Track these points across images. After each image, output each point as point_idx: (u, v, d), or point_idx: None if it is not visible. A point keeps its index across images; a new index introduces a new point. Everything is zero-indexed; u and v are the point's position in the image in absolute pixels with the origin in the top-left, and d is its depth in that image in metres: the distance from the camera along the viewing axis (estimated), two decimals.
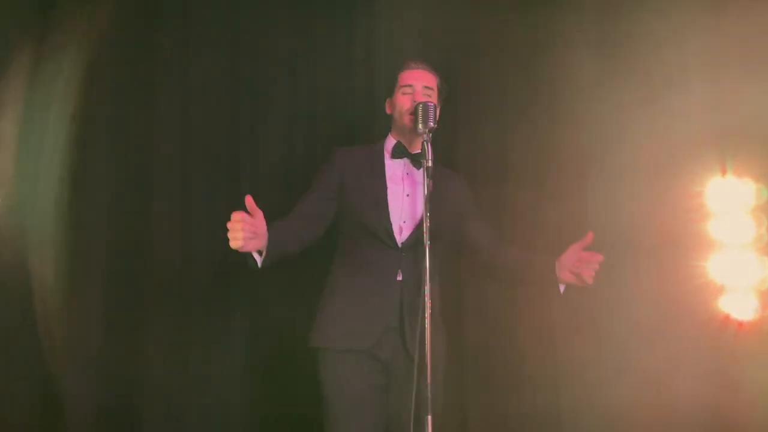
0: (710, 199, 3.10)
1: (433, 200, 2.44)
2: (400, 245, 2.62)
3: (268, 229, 2.36)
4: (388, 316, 2.57)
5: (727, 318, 3.04)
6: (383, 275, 2.60)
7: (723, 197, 3.08)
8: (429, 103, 2.51)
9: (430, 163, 2.42)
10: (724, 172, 3.08)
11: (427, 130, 2.48)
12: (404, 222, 2.64)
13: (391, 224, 2.62)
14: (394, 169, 2.71)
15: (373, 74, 3.45)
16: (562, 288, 2.61)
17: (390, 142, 2.75)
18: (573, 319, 3.15)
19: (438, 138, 2.60)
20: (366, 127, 3.38)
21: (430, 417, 2.34)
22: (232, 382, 3.34)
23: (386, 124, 2.82)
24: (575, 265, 2.52)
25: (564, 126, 3.27)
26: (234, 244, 2.25)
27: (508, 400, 3.17)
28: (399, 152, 2.70)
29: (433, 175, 2.44)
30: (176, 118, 3.46)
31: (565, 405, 3.15)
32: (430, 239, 2.43)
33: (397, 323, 2.58)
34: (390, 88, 2.76)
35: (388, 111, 2.78)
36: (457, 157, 3.38)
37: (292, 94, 3.52)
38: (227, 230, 2.26)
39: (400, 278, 2.59)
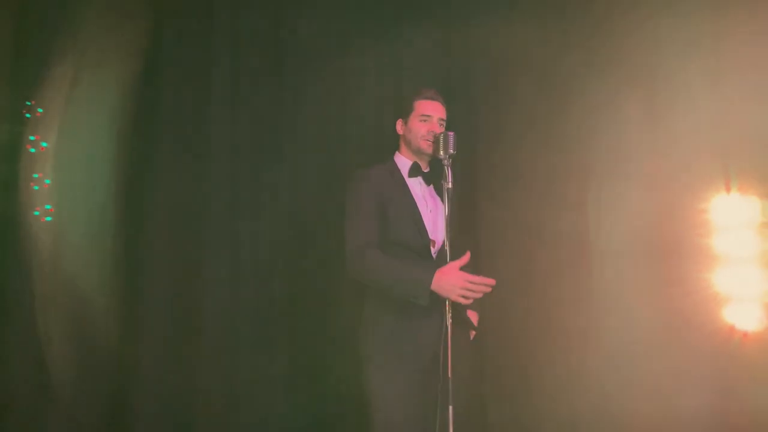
0: (715, 215, 3.22)
1: (454, 216, 2.75)
2: (434, 258, 2.84)
3: (407, 267, 2.73)
4: (436, 331, 2.72)
5: (732, 329, 3.14)
6: None
7: (728, 213, 3.19)
8: (450, 133, 2.79)
9: (450, 185, 2.72)
10: (728, 189, 3.20)
11: (447, 156, 2.76)
12: (434, 234, 2.89)
13: (429, 240, 2.86)
14: (413, 186, 2.97)
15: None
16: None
17: (403, 161, 3.01)
18: (579, 329, 3.27)
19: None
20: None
21: (451, 408, 2.50)
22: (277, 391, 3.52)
23: (394, 141, 3.05)
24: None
25: (570, 142, 3.41)
26: (466, 301, 2.63)
27: (515, 407, 3.29)
28: (415, 171, 2.97)
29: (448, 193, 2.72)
30: (227, 126, 3.66)
31: (569, 414, 3.24)
32: (455, 249, 2.73)
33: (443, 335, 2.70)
34: (404, 110, 3.00)
35: (399, 131, 3.03)
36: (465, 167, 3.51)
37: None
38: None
39: None
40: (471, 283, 2.62)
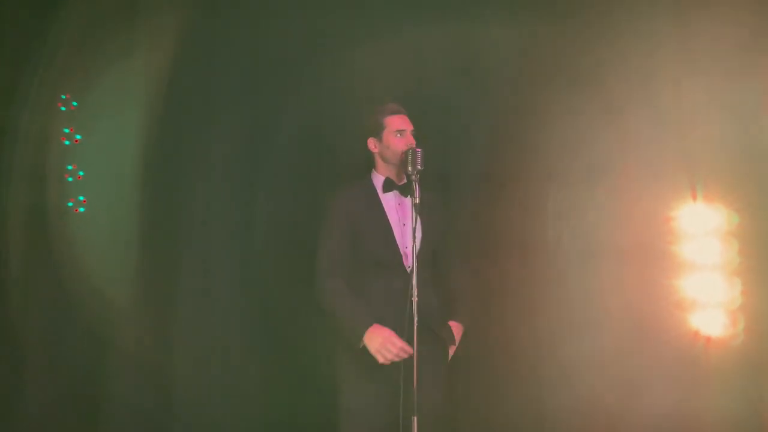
0: (682, 223, 3.31)
1: (427, 229, 2.90)
2: (408, 270, 2.95)
3: (353, 310, 2.88)
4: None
5: (696, 334, 3.25)
6: (401, 299, 2.85)
7: (694, 221, 3.28)
8: (417, 150, 2.91)
9: (417, 200, 2.85)
10: (695, 198, 3.29)
11: (415, 172, 2.88)
12: (407, 248, 3.02)
13: (401, 255, 2.99)
14: (388, 201, 3.09)
15: None
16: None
17: (378, 178, 3.12)
18: (546, 335, 3.38)
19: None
20: None
21: (415, 419, 2.66)
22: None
23: (368, 159, 3.14)
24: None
25: (536, 149, 3.49)
26: (384, 361, 2.78)
27: (491, 402, 3.42)
28: (389, 186, 3.08)
29: (421, 207, 2.85)
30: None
31: (536, 419, 3.36)
32: (426, 262, 2.95)
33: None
34: (375, 128, 3.09)
35: (373, 149, 3.12)
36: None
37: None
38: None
39: (416, 299, 2.86)
40: (391, 344, 2.76)
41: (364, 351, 2.82)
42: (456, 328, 3.08)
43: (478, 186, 3.60)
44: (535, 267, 3.40)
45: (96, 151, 3.70)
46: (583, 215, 3.41)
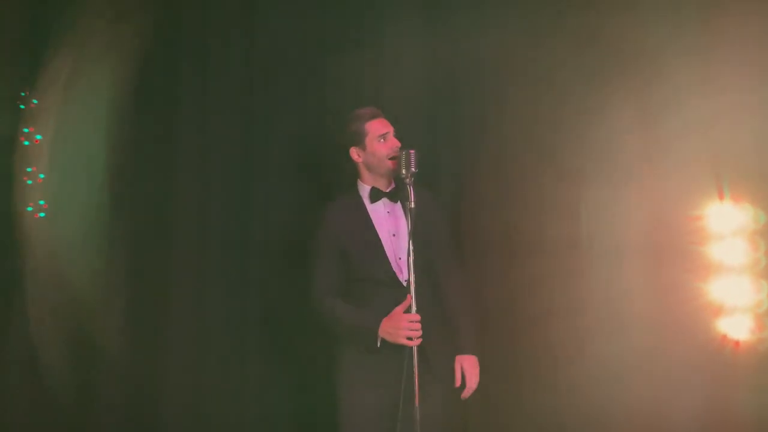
0: (709, 223, 3.19)
1: (419, 235, 2.75)
2: (404, 283, 2.83)
3: (358, 317, 2.79)
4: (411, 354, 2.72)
5: (724, 337, 3.13)
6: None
7: (722, 221, 3.17)
8: (411, 151, 2.78)
9: (413, 205, 2.72)
10: (722, 197, 3.18)
11: (410, 175, 2.75)
12: (400, 259, 2.88)
13: (393, 270, 2.86)
14: (377, 212, 2.95)
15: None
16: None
17: (364, 188, 2.98)
18: (569, 338, 3.26)
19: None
20: None
21: None
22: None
23: (352, 171, 3.02)
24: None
25: (562, 148, 3.36)
26: (416, 342, 2.67)
27: (505, 410, 3.30)
28: (376, 195, 2.95)
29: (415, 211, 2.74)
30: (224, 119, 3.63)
31: (561, 422, 3.24)
32: (424, 271, 2.80)
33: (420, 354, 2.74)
34: (356, 137, 2.95)
35: (357, 159, 2.98)
36: (450, 171, 3.51)
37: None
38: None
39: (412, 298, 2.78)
40: (411, 321, 2.67)
41: (381, 351, 2.72)
42: (469, 363, 2.92)
43: (494, 186, 3.47)
44: (560, 268, 3.27)
45: (58, 153, 3.46)
46: (606, 215, 3.29)
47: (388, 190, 2.99)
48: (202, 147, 3.65)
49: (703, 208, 3.20)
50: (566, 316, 3.28)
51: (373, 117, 2.97)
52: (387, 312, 2.76)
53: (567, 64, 3.37)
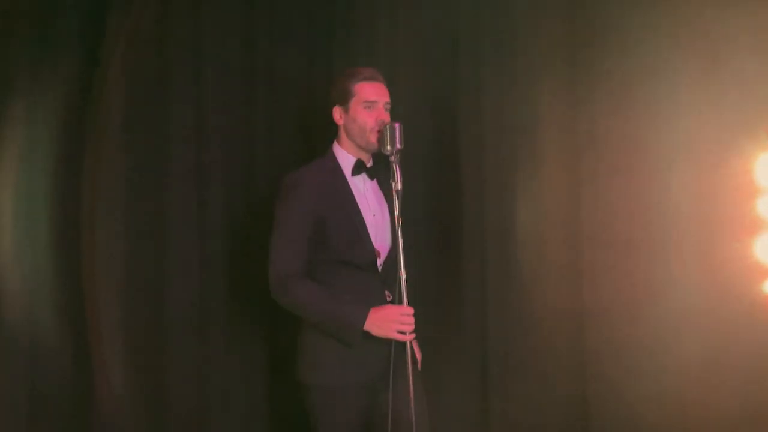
0: (759, 176, 2.91)
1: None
2: (380, 270, 2.63)
3: (336, 305, 2.52)
4: (387, 343, 2.54)
5: None
6: (374, 302, 2.56)
7: None
8: (396, 125, 2.50)
9: (400, 186, 2.48)
10: None
11: (395, 152, 2.49)
12: (379, 244, 2.64)
13: (375, 253, 2.62)
14: (355, 186, 2.68)
15: None
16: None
17: (345, 157, 2.69)
18: (609, 302, 3.07)
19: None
20: None
21: None
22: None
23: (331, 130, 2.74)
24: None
25: (608, 103, 3.10)
26: (410, 337, 2.49)
27: (536, 385, 3.15)
28: (359, 169, 2.68)
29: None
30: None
31: (596, 391, 3.10)
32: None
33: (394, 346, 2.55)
34: (341, 96, 2.67)
35: (338, 120, 2.69)
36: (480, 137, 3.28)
37: None
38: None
39: (389, 298, 2.60)
40: (403, 315, 2.47)
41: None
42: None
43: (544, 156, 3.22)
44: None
45: None
46: (651, 175, 3.04)
47: (369, 166, 2.71)
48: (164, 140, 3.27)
49: (754, 159, 2.90)
50: (603, 278, 3.10)
51: (368, 79, 2.64)
52: (361, 300, 2.55)
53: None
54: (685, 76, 2.96)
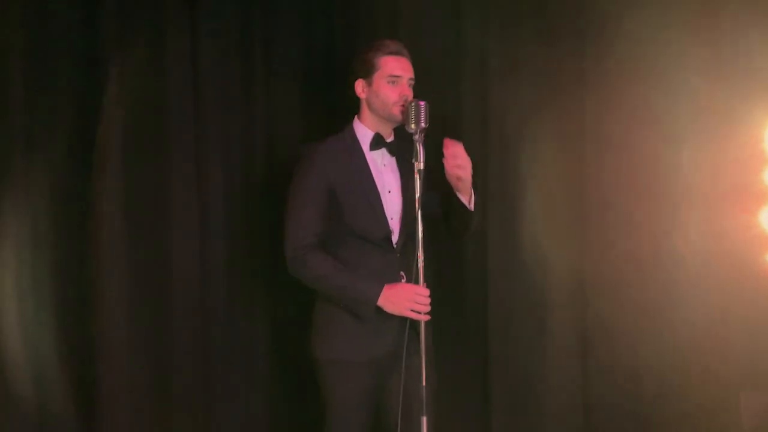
0: (767, 148, 2.92)
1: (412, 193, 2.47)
2: (395, 246, 2.59)
3: (352, 280, 2.51)
4: (400, 322, 2.52)
5: None
6: (388, 280, 2.53)
7: None
8: (421, 103, 2.43)
9: (422, 165, 2.42)
10: None
11: (419, 130, 2.43)
12: (392, 219, 2.60)
13: (390, 231, 2.58)
14: (374, 162, 2.62)
15: None
16: (465, 200, 2.56)
17: (364, 131, 2.63)
18: (614, 269, 3.09)
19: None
20: None
21: (425, 419, 2.40)
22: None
23: (353, 105, 2.66)
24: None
25: (617, 74, 3.10)
26: (424, 317, 2.47)
27: (536, 352, 3.20)
28: (377, 143, 2.62)
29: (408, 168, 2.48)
30: None
31: (598, 359, 3.16)
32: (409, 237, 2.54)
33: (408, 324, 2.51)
34: (365, 69, 2.58)
35: (360, 94, 2.62)
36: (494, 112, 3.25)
37: None
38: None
39: (404, 279, 2.56)
40: (418, 294, 2.44)
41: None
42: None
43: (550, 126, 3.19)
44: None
45: None
46: (658, 143, 3.04)
47: (389, 141, 2.66)
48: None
49: (763, 127, 2.93)
50: (609, 245, 3.13)
51: (393, 53, 2.56)
52: (376, 276, 2.53)
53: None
54: (692, 50, 2.95)
